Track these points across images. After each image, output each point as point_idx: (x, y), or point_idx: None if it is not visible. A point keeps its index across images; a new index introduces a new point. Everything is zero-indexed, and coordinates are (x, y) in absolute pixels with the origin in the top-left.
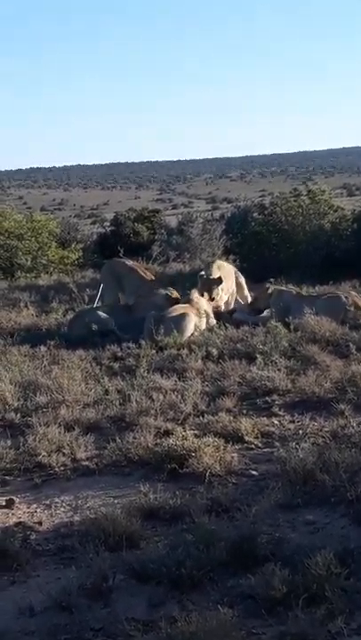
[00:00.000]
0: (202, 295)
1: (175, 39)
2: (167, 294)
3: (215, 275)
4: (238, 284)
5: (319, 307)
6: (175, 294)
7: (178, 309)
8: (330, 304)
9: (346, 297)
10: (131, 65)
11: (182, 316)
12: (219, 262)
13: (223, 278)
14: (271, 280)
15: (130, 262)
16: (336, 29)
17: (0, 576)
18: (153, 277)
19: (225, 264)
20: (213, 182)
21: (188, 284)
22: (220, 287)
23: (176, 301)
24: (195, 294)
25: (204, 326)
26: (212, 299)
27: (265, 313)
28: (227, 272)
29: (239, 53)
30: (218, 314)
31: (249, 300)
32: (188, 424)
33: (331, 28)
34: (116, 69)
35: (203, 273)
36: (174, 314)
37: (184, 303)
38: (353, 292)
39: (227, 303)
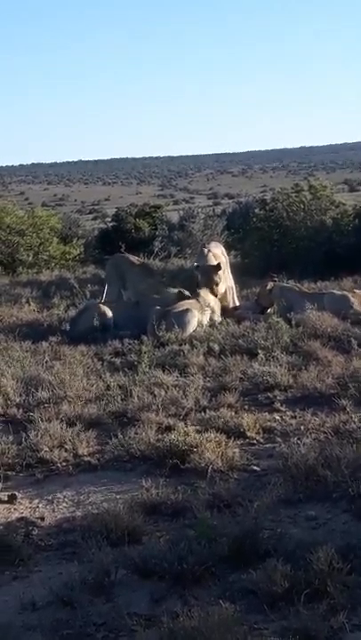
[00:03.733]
0: (206, 287)
1: (175, 35)
2: (179, 292)
3: (213, 262)
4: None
5: (325, 303)
6: (187, 294)
7: (182, 305)
8: (336, 300)
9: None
10: (132, 61)
11: (185, 312)
12: (213, 250)
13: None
14: (275, 279)
15: (133, 257)
16: (336, 25)
17: (2, 571)
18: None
19: (216, 249)
20: (215, 178)
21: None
22: (220, 273)
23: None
24: (202, 290)
25: (206, 321)
26: (215, 290)
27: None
28: (219, 256)
29: (240, 49)
30: (223, 310)
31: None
32: (190, 419)
33: (331, 24)
34: (118, 65)
35: (197, 263)
36: (177, 309)
37: (191, 299)
38: (357, 291)
39: (225, 295)
